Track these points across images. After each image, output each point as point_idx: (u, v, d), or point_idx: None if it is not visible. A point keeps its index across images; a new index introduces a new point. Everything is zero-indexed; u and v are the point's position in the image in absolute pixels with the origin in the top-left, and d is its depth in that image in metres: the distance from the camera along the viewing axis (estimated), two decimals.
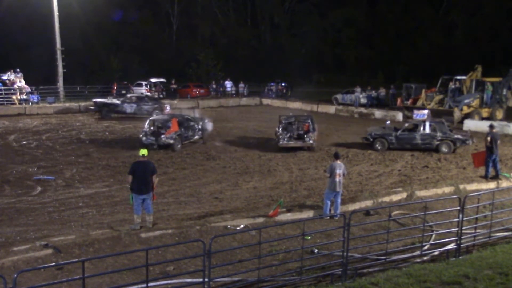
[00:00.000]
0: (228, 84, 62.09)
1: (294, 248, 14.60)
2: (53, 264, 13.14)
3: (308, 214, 18.19)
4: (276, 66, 70.30)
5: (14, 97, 47.66)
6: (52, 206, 19.17)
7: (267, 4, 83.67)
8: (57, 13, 50.65)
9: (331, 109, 50.91)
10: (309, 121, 31.28)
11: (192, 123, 32.36)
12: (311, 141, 29.87)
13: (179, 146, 30.18)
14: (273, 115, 42.94)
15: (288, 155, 28.65)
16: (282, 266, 13.70)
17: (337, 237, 15.00)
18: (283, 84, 62.88)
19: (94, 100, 45.29)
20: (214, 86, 61.38)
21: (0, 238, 15.67)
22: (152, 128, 31.04)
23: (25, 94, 48.44)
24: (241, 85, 62.10)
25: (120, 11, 70.29)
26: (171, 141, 29.87)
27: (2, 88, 46.75)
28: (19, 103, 47.16)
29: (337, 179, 17.81)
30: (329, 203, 18.00)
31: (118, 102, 43.63)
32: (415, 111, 32.33)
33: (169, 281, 12.53)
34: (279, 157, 28.27)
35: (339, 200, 18.17)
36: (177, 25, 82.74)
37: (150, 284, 11.68)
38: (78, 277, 11.16)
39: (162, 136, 29.63)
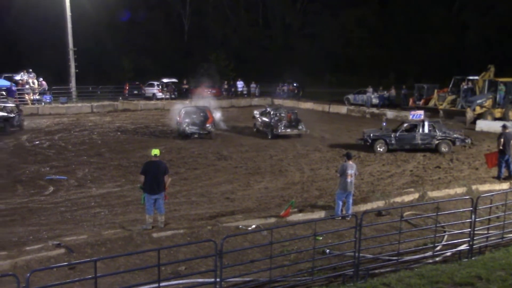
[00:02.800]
0: (240, 84, 62.14)
1: (305, 249, 14.58)
2: (66, 263, 13.16)
3: (319, 214, 18.16)
4: (288, 66, 70.17)
5: (27, 97, 47.93)
6: (64, 206, 19.24)
7: (278, 4, 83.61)
8: (70, 14, 50.84)
9: (342, 109, 50.82)
10: (293, 111, 35.91)
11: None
12: (304, 129, 34.18)
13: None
14: None
15: (299, 155, 28.63)
16: (293, 267, 13.67)
17: (348, 238, 14.95)
18: (294, 85, 62.84)
19: None
20: (225, 86, 61.42)
21: (13, 238, 15.75)
22: (189, 119, 33.56)
23: (37, 94, 48.70)
24: (253, 85, 62.14)
25: (128, 12, 70.39)
26: (213, 130, 33.11)
27: (15, 88, 46.96)
28: (32, 103, 47.41)
29: (349, 179, 17.77)
30: (340, 203, 17.96)
31: None
32: (411, 112, 32.37)
33: (180, 281, 12.53)
34: (290, 157, 28.25)
35: (350, 201, 18.12)
36: (189, 26, 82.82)
37: (162, 284, 11.68)
38: (90, 276, 11.18)
39: (207, 125, 31.47)
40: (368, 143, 29.87)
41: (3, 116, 34.98)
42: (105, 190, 21.43)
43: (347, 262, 13.69)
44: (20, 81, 48.88)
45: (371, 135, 29.95)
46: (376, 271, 13.46)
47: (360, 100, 52.93)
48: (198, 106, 36.04)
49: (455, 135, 29.88)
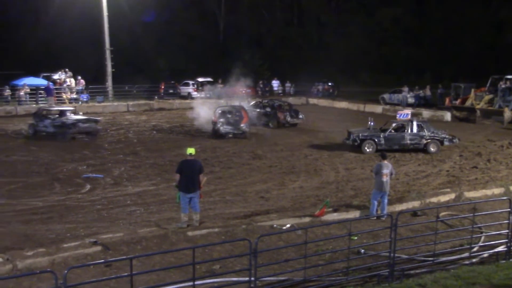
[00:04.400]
0: (275, 83, 62.13)
1: (340, 248, 14.52)
2: (102, 261, 13.29)
3: (354, 214, 18.09)
4: (322, 65, 69.85)
5: (64, 96, 48.54)
6: (101, 204, 19.46)
7: (313, 3, 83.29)
8: (107, 13, 51.39)
9: (378, 108, 50.44)
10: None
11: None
12: (303, 118, 38.86)
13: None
14: (320, 114, 42.96)
15: (334, 154, 28.53)
16: (328, 266, 13.63)
17: (384, 238, 14.88)
18: (329, 84, 62.61)
19: None
20: (261, 85, 61.42)
21: (50, 235, 15.98)
22: (224, 118, 33.62)
23: (75, 93, 49.31)
24: (288, 84, 62.06)
25: (152, 12, 70.58)
26: (247, 129, 33.09)
27: (53, 87, 47.63)
28: (69, 102, 47.97)
29: (384, 179, 17.66)
30: (375, 203, 17.87)
31: None
32: (399, 111, 32.06)
33: (215, 280, 12.57)
34: (325, 156, 28.19)
35: (385, 201, 18.01)
36: (224, 25, 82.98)
37: (197, 282, 11.74)
38: (126, 274, 11.27)
39: (242, 124, 31.49)
40: (356, 143, 29.40)
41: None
42: (140, 189, 21.62)
43: (382, 262, 13.63)
44: (58, 80, 49.56)
45: (360, 135, 29.45)
46: (412, 271, 13.36)
47: (396, 100, 52.47)
48: (233, 106, 36.12)
49: (443, 135, 29.60)
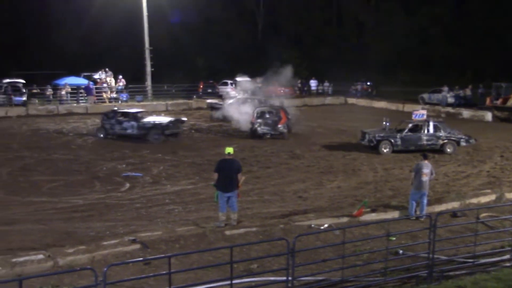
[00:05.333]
0: (313, 83, 62.00)
1: (378, 249, 14.44)
2: (141, 259, 13.41)
3: (393, 214, 17.96)
4: (361, 64, 69.43)
5: (104, 95, 49.16)
6: (140, 202, 19.65)
7: (352, 3, 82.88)
8: (146, 14, 51.85)
9: (417, 108, 49.91)
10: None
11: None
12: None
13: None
14: (358, 114, 42.72)
15: (372, 154, 28.36)
16: (366, 267, 13.55)
17: (422, 239, 14.73)
18: (368, 83, 62.25)
19: None
20: (299, 85, 61.35)
21: (91, 232, 16.19)
22: (262, 119, 33.41)
23: (115, 92, 49.88)
24: (326, 84, 61.88)
25: (179, 13, 70.79)
26: (285, 130, 33.00)
27: (94, 86, 48.28)
28: (109, 102, 48.54)
29: (424, 178, 17.50)
30: (414, 203, 17.72)
31: None
32: (414, 112, 31.29)
33: (253, 279, 12.60)
34: (363, 156, 28.03)
35: (425, 201, 17.83)
36: (262, 24, 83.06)
37: (234, 281, 11.76)
38: (164, 272, 11.36)
39: (279, 125, 31.48)
40: (372, 144, 29.02)
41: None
42: (179, 187, 21.77)
43: (421, 263, 13.49)
44: (99, 80, 50.22)
45: (376, 135, 29.09)
46: (451, 273, 13.22)
47: (435, 99, 51.90)
48: (272, 106, 36.04)
49: (459, 136, 29.11)
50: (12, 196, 20.44)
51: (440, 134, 28.85)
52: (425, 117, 29.78)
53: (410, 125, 29.39)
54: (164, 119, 33.55)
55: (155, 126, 32.20)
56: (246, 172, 22.48)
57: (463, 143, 29.05)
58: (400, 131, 29.34)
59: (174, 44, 70.44)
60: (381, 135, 29.17)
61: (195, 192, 21.12)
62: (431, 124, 29.10)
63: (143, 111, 35.55)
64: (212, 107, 43.05)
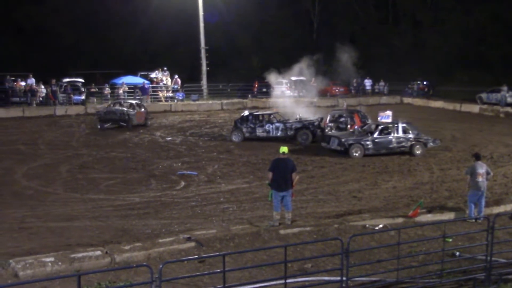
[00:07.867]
0: (368, 82, 61.51)
1: (434, 250, 14.28)
2: (196, 257, 13.56)
3: (449, 215, 17.71)
4: (417, 64, 68.58)
5: (160, 94, 49.77)
6: (195, 201, 19.86)
7: (409, 1, 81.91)
8: (202, 13, 52.23)
9: (474, 108, 49.11)
10: None
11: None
12: None
13: None
14: (414, 113, 42.20)
15: (428, 155, 27.97)
16: (421, 268, 13.40)
17: (480, 241, 14.51)
18: (424, 83, 61.42)
19: None
20: (354, 84, 60.97)
21: (147, 230, 16.45)
22: (335, 122, 32.10)
23: (171, 91, 50.42)
24: (381, 83, 61.31)
25: (215, 14, 70.95)
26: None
27: (150, 86, 48.91)
28: (165, 101, 49.13)
29: (480, 179, 17.21)
30: (473, 206, 17.41)
31: None
32: (380, 113, 30.57)
33: (307, 278, 12.61)
34: (419, 156, 27.67)
35: (483, 202, 17.51)
36: (317, 23, 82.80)
37: (288, 280, 11.77)
38: (219, 270, 11.46)
39: (350, 130, 30.78)
40: (343, 148, 27.88)
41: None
42: (233, 186, 21.91)
43: (478, 265, 13.26)
44: (155, 79, 50.83)
45: (349, 140, 28.02)
46: (510, 276, 12.95)
47: (494, 99, 50.81)
48: (349, 110, 35.44)
49: (425, 137, 28.34)
50: (71, 193, 20.92)
51: (410, 136, 28.10)
52: (390, 118, 29.29)
53: (380, 127, 28.62)
54: (311, 119, 33.01)
55: (305, 126, 31.90)
56: (301, 172, 22.51)
57: (430, 144, 28.31)
58: (371, 133, 28.53)
59: (230, 43, 70.74)
60: (352, 139, 28.22)
61: (249, 191, 21.23)
62: (400, 125, 28.32)
63: (277, 112, 34.46)
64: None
